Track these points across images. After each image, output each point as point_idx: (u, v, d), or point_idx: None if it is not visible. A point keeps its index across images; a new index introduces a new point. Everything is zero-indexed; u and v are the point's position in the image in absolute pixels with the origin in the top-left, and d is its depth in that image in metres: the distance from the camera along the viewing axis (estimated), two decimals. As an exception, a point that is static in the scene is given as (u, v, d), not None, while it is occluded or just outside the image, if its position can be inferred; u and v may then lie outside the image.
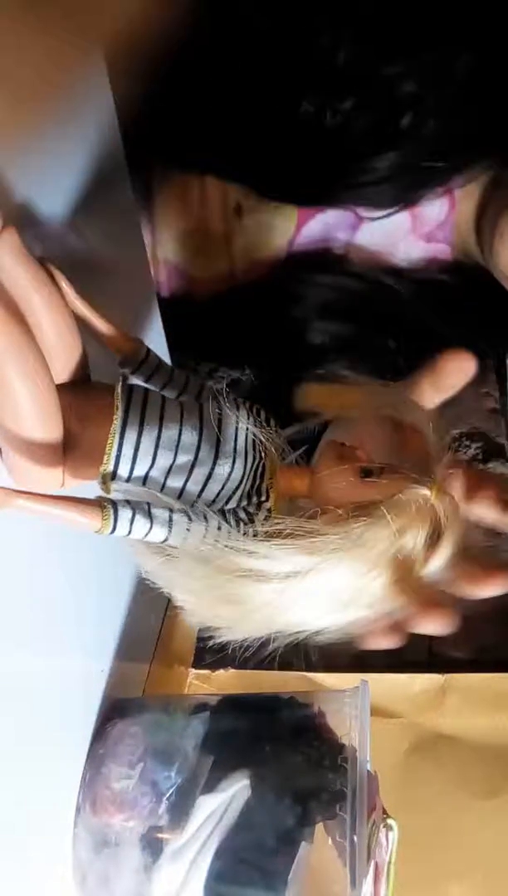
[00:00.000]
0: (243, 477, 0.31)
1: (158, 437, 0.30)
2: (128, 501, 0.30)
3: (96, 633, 0.53)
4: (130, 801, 0.49)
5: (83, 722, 0.51)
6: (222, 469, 0.30)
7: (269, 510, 0.31)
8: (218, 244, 0.69)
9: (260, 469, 0.32)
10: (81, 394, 0.31)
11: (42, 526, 0.41)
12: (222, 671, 0.85)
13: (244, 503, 0.31)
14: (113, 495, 0.30)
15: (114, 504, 0.29)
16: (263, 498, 0.31)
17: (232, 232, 0.68)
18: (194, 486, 0.30)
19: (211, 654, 0.88)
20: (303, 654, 0.87)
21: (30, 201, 0.34)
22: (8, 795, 0.39)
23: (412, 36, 0.57)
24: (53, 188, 0.38)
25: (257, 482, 0.31)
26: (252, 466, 0.31)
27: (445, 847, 0.74)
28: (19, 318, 0.27)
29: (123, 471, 0.30)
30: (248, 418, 0.32)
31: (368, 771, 0.48)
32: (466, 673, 0.83)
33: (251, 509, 0.31)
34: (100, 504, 0.29)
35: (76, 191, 0.39)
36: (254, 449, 0.31)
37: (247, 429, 0.31)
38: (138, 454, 0.30)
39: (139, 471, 0.30)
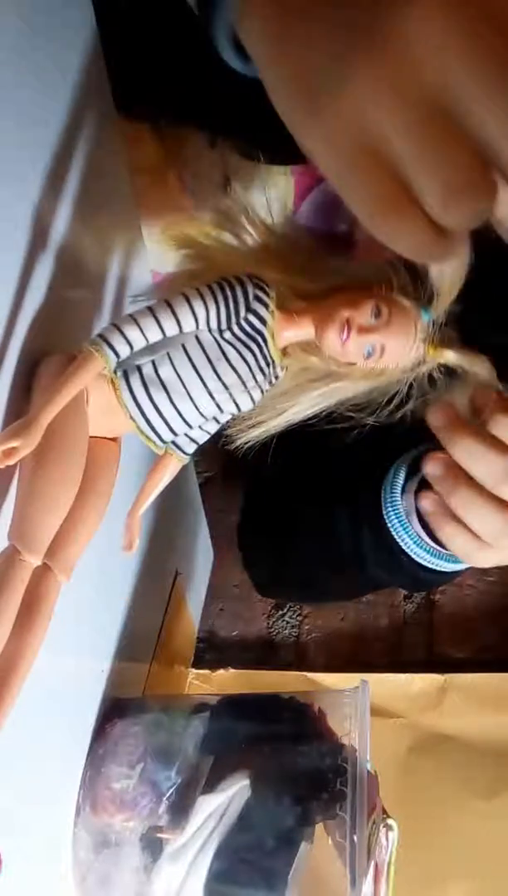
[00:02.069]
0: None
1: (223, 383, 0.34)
2: None
3: (96, 633, 0.53)
4: (130, 801, 0.49)
5: (83, 722, 0.51)
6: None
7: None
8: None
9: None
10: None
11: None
12: (222, 671, 0.84)
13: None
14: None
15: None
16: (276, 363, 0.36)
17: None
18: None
19: (215, 651, 0.88)
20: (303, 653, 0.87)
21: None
22: (8, 795, 0.39)
23: None
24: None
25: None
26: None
27: (445, 847, 0.74)
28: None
29: None
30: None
31: (368, 771, 0.48)
32: (466, 673, 0.83)
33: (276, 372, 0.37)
34: None
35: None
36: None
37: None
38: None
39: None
